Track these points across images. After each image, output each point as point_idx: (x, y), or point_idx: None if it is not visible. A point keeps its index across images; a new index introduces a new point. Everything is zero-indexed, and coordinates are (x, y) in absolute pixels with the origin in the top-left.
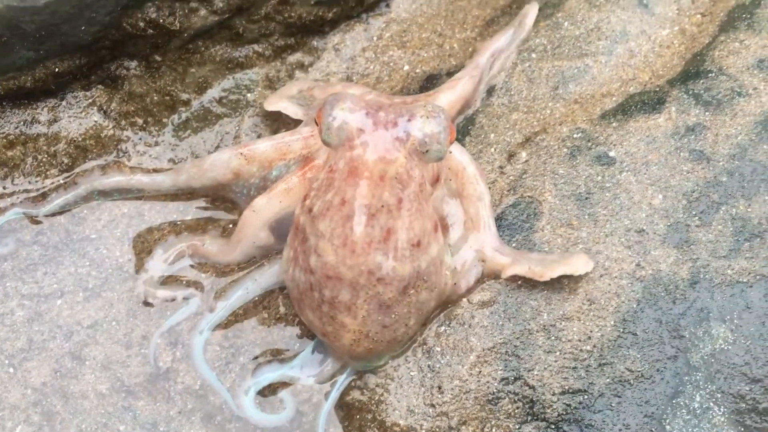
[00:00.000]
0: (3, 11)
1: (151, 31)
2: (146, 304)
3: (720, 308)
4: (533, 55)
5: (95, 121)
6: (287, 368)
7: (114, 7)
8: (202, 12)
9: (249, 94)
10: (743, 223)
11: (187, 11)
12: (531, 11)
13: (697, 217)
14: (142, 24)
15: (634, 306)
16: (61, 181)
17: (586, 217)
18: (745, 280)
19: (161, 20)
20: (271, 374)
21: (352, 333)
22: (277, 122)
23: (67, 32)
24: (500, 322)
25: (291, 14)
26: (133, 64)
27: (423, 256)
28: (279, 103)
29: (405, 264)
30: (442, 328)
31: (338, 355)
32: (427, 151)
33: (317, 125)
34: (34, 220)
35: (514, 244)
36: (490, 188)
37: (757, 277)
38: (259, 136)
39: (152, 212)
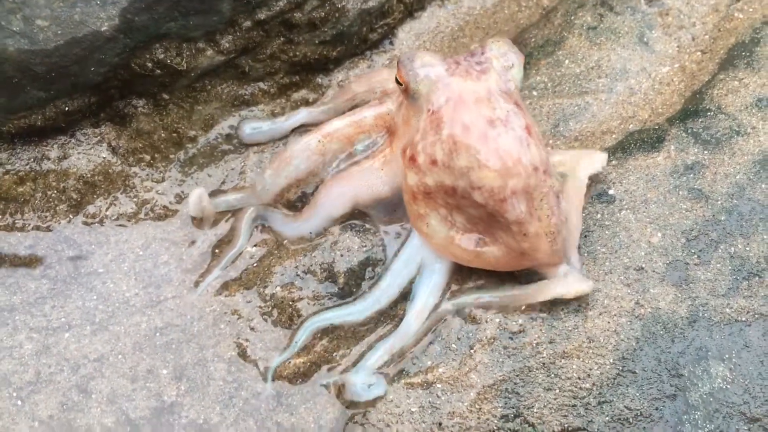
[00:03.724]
0: (14, 54)
1: (159, 71)
2: (152, 337)
3: (719, 347)
4: (534, 93)
5: (104, 158)
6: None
7: (123, 48)
8: (209, 52)
9: None
10: (742, 261)
11: (194, 51)
12: None
13: (696, 256)
14: (150, 64)
15: (633, 344)
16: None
17: (586, 254)
18: (743, 319)
19: (169, 60)
20: None
21: (546, 236)
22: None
23: (76, 73)
24: (500, 359)
25: (296, 53)
26: (142, 102)
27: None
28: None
29: (542, 150)
30: (443, 364)
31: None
32: (512, 65)
33: (400, 84)
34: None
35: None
36: None
37: (756, 316)
38: None
39: (159, 247)
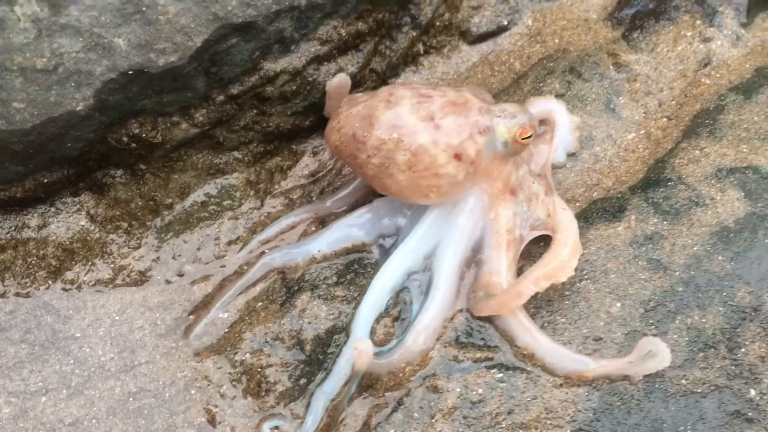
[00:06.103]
0: None
1: (135, 144)
2: (125, 402)
3: (674, 419)
4: None
5: (82, 226)
6: None
7: (98, 125)
8: (184, 125)
9: (229, 199)
10: (698, 333)
11: (169, 125)
12: None
13: (653, 326)
14: (125, 139)
15: (590, 415)
16: None
17: (546, 324)
18: (699, 391)
19: (144, 135)
20: None
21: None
22: (257, 223)
23: (54, 149)
24: (460, 429)
25: (269, 124)
26: (119, 172)
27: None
28: None
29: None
30: None
31: None
32: (512, 116)
33: None
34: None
35: (471, 353)
36: None
37: (711, 387)
38: (238, 239)
39: (135, 312)
